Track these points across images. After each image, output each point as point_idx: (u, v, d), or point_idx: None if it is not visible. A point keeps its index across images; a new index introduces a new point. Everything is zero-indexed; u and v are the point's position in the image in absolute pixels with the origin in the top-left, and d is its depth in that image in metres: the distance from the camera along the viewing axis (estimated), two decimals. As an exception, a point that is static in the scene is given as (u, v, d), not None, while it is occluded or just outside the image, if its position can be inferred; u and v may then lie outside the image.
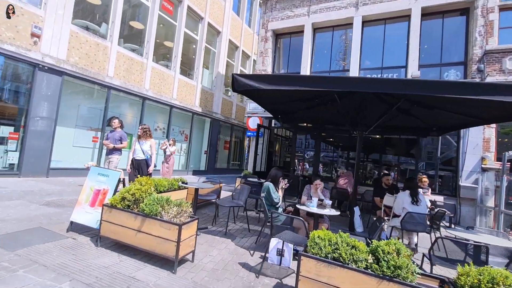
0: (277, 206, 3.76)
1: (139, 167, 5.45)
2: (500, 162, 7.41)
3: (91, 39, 8.80)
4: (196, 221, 3.19)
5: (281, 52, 11.16)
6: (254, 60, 18.52)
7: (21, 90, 7.44)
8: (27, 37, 7.21)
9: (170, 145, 9.06)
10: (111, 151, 6.00)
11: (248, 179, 6.91)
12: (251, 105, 10.79)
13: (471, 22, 8.01)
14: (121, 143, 6.05)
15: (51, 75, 7.71)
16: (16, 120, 7.32)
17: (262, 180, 6.66)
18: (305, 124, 8.76)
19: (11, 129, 7.17)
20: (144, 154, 5.49)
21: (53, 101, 7.76)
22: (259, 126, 9.97)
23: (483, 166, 7.32)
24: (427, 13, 8.50)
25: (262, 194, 3.92)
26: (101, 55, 9.12)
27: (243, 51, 17.15)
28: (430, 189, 7.59)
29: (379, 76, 9.10)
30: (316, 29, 10.14)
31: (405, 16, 8.88)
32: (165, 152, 9.22)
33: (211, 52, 14.85)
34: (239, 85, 3.70)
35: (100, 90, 9.33)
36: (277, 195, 3.84)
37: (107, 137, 6.18)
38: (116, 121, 6.14)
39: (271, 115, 9.85)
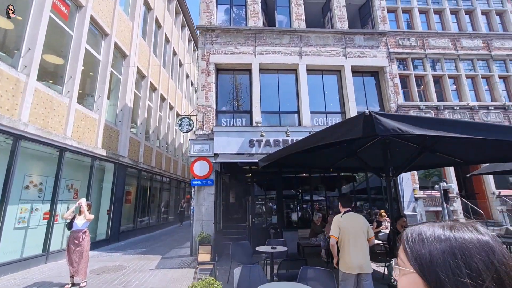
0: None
1: None
2: (426, 191, 9.34)
3: None
4: None
5: (223, 88, 10.08)
6: (161, 94, 16.07)
7: None
8: None
9: (81, 212, 5.63)
10: None
11: (257, 248, 5.02)
12: (196, 146, 8.76)
13: (382, 82, 10.30)
14: None
15: None
16: None
17: (277, 249, 5.03)
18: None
19: None
20: None
21: None
22: (217, 173, 8.08)
23: (415, 196, 8.97)
24: (353, 71, 10.23)
25: None
26: None
27: (150, 82, 14.52)
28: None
29: (324, 119, 9.82)
30: (261, 69, 9.94)
31: (337, 71, 10.33)
32: (70, 226, 5.64)
33: (115, 78, 11.52)
34: (384, 128, 2.54)
35: None
36: None
37: None
38: None
39: (219, 160, 8.29)
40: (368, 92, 10.48)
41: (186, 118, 10.11)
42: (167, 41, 17.73)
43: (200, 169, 8.48)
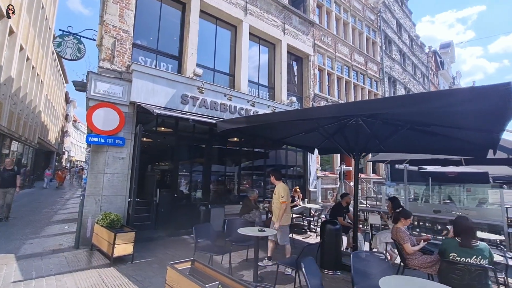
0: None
1: None
2: (323, 171, 10.89)
3: None
4: None
5: (143, 15, 7.11)
6: None
7: None
8: None
9: None
10: None
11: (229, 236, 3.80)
12: (101, 86, 5.70)
13: (305, 69, 10.94)
14: None
15: None
16: None
17: (265, 232, 4.09)
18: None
19: None
20: None
21: None
22: (140, 129, 5.52)
23: (317, 175, 10.30)
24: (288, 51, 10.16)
25: (484, 261, 2.71)
26: None
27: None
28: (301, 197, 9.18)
29: (256, 90, 9.22)
30: (201, 10, 7.83)
31: (273, 44, 9.92)
32: None
33: None
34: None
35: None
36: None
37: None
38: None
39: (163, 113, 6.00)
40: (292, 76, 10.86)
41: (72, 37, 6.38)
42: None
43: (104, 120, 5.65)
